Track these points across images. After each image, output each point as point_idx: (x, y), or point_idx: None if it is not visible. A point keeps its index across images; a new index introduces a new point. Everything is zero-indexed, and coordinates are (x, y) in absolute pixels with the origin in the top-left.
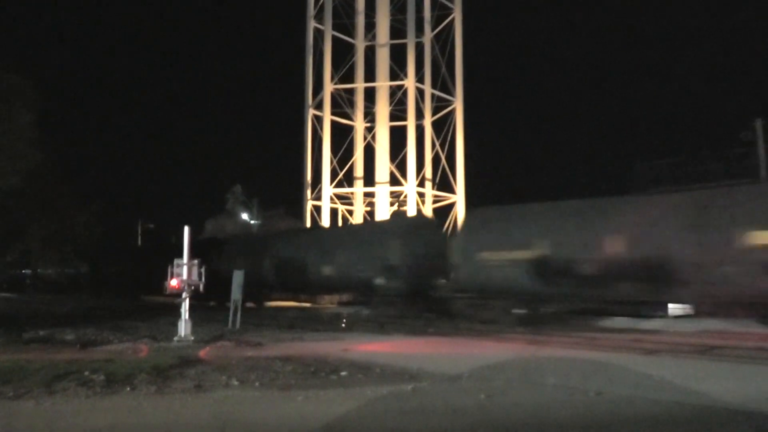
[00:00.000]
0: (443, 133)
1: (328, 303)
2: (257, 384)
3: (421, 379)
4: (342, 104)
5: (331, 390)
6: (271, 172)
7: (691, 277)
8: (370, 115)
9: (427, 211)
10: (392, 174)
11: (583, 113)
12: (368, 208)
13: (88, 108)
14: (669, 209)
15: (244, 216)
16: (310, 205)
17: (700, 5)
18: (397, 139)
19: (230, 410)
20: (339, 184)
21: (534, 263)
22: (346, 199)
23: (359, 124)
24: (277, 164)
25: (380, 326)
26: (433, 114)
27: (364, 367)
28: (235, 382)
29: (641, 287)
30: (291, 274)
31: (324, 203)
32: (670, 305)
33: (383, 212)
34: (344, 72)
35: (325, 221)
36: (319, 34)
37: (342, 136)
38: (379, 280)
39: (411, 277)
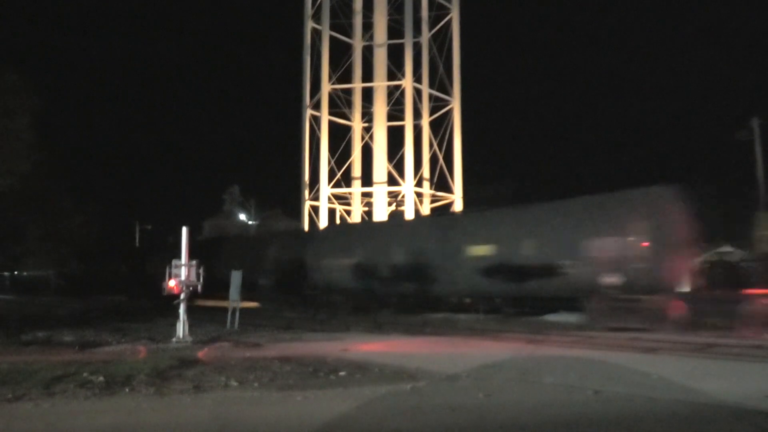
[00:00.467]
0: (441, 133)
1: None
2: (256, 384)
3: (419, 378)
4: (340, 104)
5: (329, 390)
6: (269, 172)
7: (441, 277)
8: (367, 115)
9: (425, 210)
10: (390, 174)
11: (580, 113)
12: (366, 209)
13: (85, 108)
14: (429, 229)
15: (242, 216)
16: (307, 205)
17: (697, 4)
18: (395, 139)
19: (229, 411)
20: (337, 185)
21: (353, 268)
22: (343, 200)
23: (357, 124)
24: (274, 165)
25: (378, 326)
26: (431, 114)
27: (363, 366)
28: (234, 383)
29: (415, 285)
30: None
31: (322, 203)
32: None
33: (381, 212)
34: (342, 72)
35: (323, 222)
36: (316, 34)
37: (340, 137)
38: (262, 281)
39: (280, 277)
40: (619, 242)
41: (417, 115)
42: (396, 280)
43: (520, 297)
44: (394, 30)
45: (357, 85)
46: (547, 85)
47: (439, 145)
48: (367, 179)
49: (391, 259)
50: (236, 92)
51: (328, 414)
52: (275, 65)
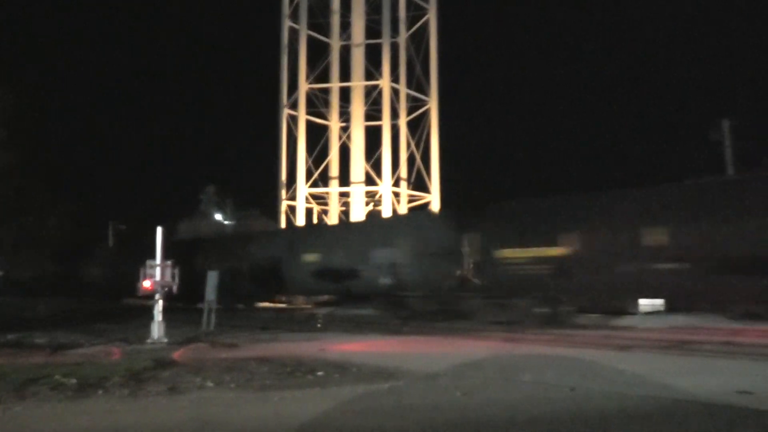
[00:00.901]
0: (418, 133)
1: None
2: (233, 385)
3: (397, 377)
4: (317, 104)
5: (307, 390)
6: (245, 172)
7: (348, 277)
8: (345, 115)
9: (402, 210)
10: (367, 174)
11: (558, 113)
12: (343, 208)
13: (58, 108)
14: (338, 236)
15: (218, 216)
16: (284, 205)
17: (671, 5)
18: (373, 138)
19: (206, 412)
20: (314, 184)
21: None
22: (321, 199)
23: (334, 124)
24: (251, 164)
25: (357, 326)
26: (408, 114)
27: (341, 366)
28: (211, 384)
29: (335, 285)
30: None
31: (299, 203)
32: (641, 302)
33: (359, 212)
34: (319, 71)
35: (300, 221)
36: (294, 34)
37: (317, 136)
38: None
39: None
40: (392, 252)
41: (394, 115)
42: (262, 279)
43: (339, 293)
44: (372, 30)
45: (334, 85)
46: (525, 85)
47: (417, 145)
48: (344, 179)
49: (258, 262)
50: (212, 91)
51: (306, 414)
52: (252, 64)
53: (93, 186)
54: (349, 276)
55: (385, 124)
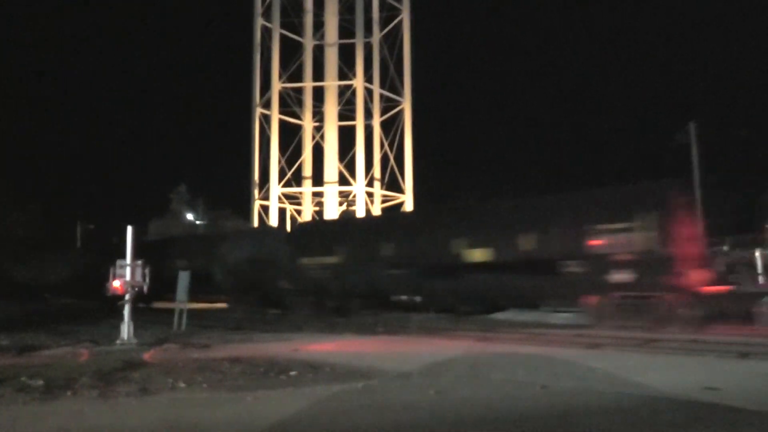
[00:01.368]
0: (392, 133)
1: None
2: (205, 386)
3: (371, 377)
4: (290, 103)
5: (281, 390)
6: (217, 171)
7: (209, 279)
8: (318, 115)
9: (376, 210)
10: (341, 174)
11: (531, 113)
12: (317, 208)
13: (24, 105)
14: (208, 245)
15: (189, 216)
16: (257, 205)
17: (640, 8)
18: (346, 138)
19: (177, 412)
20: (287, 184)
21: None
22: (294, 199)
23: (308, 124)
24: (223, 163)
25: (331, 326)
26: (382, 114)
27: (315, 366)
28: (182, 385)
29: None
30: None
31: (272, 203)
32: None
33: (332, 212)
34: (293, 71)
35: (273, 221)
36: (266, 32)
37: (290, 136)
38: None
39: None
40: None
41: (368, 115)
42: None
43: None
44: (345, 30)
45: (308, 85)
46: (497, 85)
47: (390, 146)
48: (318, 179)
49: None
50: (183, 89)
51: (280, 414)
52: (224, 63)
53: (60, 185)
54: (209, 279)
55: (359, 124)
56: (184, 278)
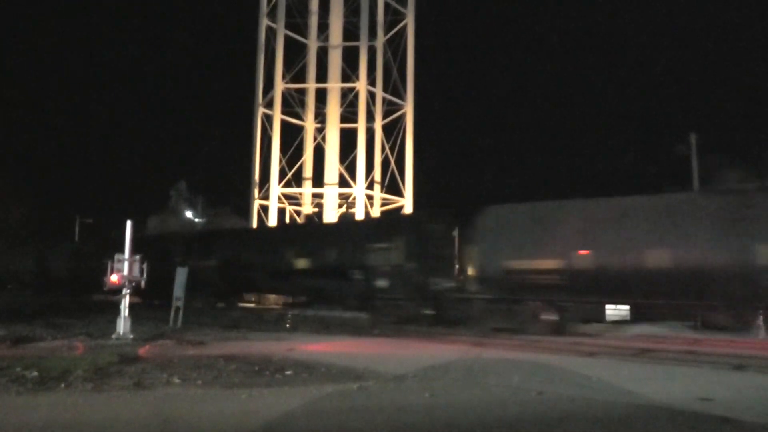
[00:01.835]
0: (393, 137)
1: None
2: (199, 382)
3: (366, 378)
4: (293, 104)
5: (275, 388)
6: (218, 169)
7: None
8: (320, 116)
9: (375, 213)
10: (341, 176)
11: (532, 120)
12: (316, 209)
13: (24, 99)
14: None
15: (188, 214)
16: (257, 204)
17: (640, 17)
18: (347, 141)
19: (171, 407)
20: (287, 184)
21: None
22: (294, 200)
23: (309, 125)
24: (224, 162)
25: (326, 326)
26: (384, 117)
27: (309, 366)
28: (177, 380)
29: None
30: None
31: (272, 203)
32: (607, 311)
33: (331, 214)
34: (296, 71)
35: (272, 221)
36: (271, 33)
37: (292, 136)
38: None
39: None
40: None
41: (370, 118)
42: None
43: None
44: (350, 32)
45: (311, 86)
46: (499, 91)
47: (391, 149)
48: (318, 180)
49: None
50: (187, 86)
51: (274, 412)
52: (228, 61)
53: (60, 179)
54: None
55: (361, 126)
56: (181, 274)
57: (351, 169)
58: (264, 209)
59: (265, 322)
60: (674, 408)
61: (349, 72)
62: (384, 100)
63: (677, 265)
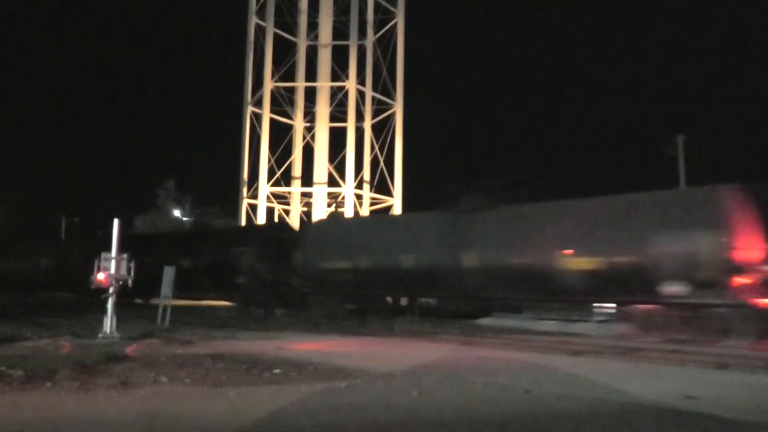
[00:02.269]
0: (382, 136)
1: None
2: (187, 381)
3: (355, 376)
4: (282, 102)
5: (264, 387)
6: (206, 168)
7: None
8: (310, 115)
9: (365, 212)
10: (330, 175)
11: (522, 120)
12: (305, 208)
13: (8, 94)
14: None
15: (176, 213)
16: (245, 203)
17: (626, 20)
18: (337, 140)
19: (159, 406)
20: (276, 183)
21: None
22: (283, 199)
23: (299, 124)
24: (212, 160)
25: (315, 326)
26: (373, 117)
27: (299, 365)
28: (164, 379)
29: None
30: None
31: (260, 202)
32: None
33: (320, 213)
34: (285, 70)
35: (261, 220)
36: (260, 31)
37: (281, 135)
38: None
39: None
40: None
41: (359, 117)
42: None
43: None
44: (339, 31)
45: (300, 84)
46: (489, 92)
47: (381, 149)
48: (307, 179)
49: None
50: (175, 85)
51: (262, 410)
52: (216, 59)
53: (46, 177)
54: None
55: (350, 125)
56: (169, 273)
57: (340, 168)
58: (253, 208)
59: (254, 321)
60: (660, 406)
61: (339, 71)
62: (373, 99)
63: (418, 265)
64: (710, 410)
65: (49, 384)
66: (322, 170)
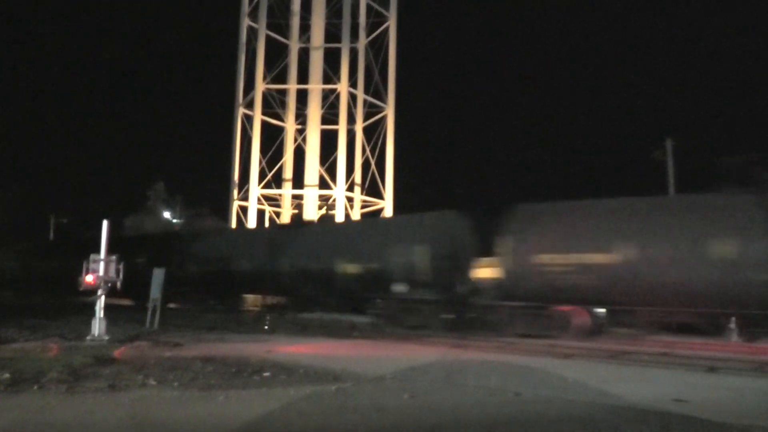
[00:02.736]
0: (374, 139)
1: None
2: (176, 384)
3: (344, 379)
4: (273, 104)
5: (253, 390)
6: (197, 169)
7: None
8: (301, 117)
9: (356, 215)
10: (321, 177)
11: (512, 124)
12: (296, 211)
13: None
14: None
15: (166, 214)
16: (236, 205)
17: (616, 24)
18: (328, 142)
19: (147, 409)
20: (267, 186)
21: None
22: (273, 201)
23: (290, 126)
24: (203, 162)
25: (305, 329)
26: (365, 119)
27: (288, 368)
28: (153, 382)
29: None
30: None
31: (251, 204)
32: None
33: (311, 215)
34: (277, 72)
35: (252, 222)
36: (252, 33)
37: (272, 137)
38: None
39: None
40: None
41: (351, 119)
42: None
43: None
44: (332, 34)
45: (292, 87)
46: (481, 98)
47: (372, 151)
48: (298, 181)
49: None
50: (166, 85)
51: (252, 413)
52: (208, 60)
53: (33, 177)
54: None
55: (342, 128)
56: (158, 275)
57: (331, 170)
58: (243, 210)
59: (243, 324)
60: (649, 409)
61: (331, 73)
62: (365, 102)
63: (311, 271)
64: (700, 413)
65: (35, 387)
66: (313, 172)
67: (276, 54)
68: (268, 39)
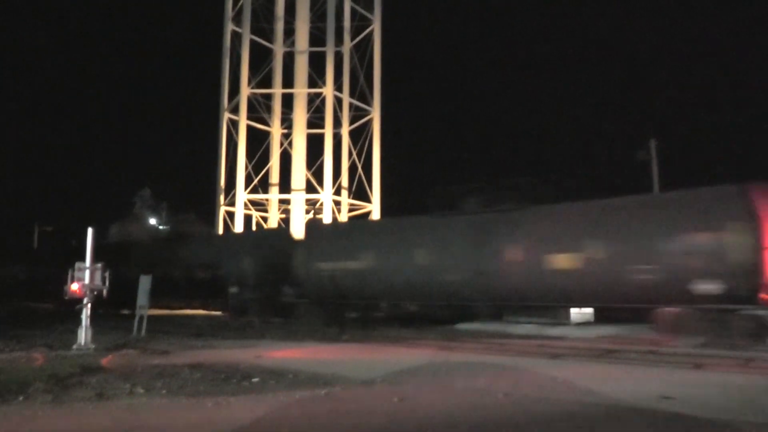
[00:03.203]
0: (360, 143)
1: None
2: (164, 391)
3: (334, 384)
4: (259, 109)
5: (242, 396)
6: (183, 175)
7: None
8: (287, 122)
9: (343, 218)
10: (308, 181)
11: (499, 126)
12: (283, 215)
13: None
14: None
15: (152, 221)
16: (223, 210)
17: (600, 25)
18: (314, 146)
19: (135, 418)
20: (254, 191)
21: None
22: (260, 206)
23: (276, 130)
24: (189, 168)
25: (294, 333)
26: (351, 123)
27: (277, 373)
28: (141, 390)
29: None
30: None
31: (237, 209)
32: (572, 313)
33: (299, 219)
34: (262, 77)
35: (239, 227)
36: (236, 37)
37: (258, 142)
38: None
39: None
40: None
41: (337, 123)
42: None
43: None
44: (316, 38)
45: (277, 91)
46: (467, 98)
47: (359, 155)
48: (285, 186)
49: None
50: (150, 91)
51: (241, 419)
52: (192, 65)
53: (17, 184)
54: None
55: (328, 132)
56: (145, 282)
57: (318, 175)
58: (230, 216)
59: (231, 330)
60: (637, 407)
61: (316, 77)
62: (351, 105)
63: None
64: (685, 410)
65: (21, 398)
66: (299, 177)
67: (261, 58)
68: (253, 43)
